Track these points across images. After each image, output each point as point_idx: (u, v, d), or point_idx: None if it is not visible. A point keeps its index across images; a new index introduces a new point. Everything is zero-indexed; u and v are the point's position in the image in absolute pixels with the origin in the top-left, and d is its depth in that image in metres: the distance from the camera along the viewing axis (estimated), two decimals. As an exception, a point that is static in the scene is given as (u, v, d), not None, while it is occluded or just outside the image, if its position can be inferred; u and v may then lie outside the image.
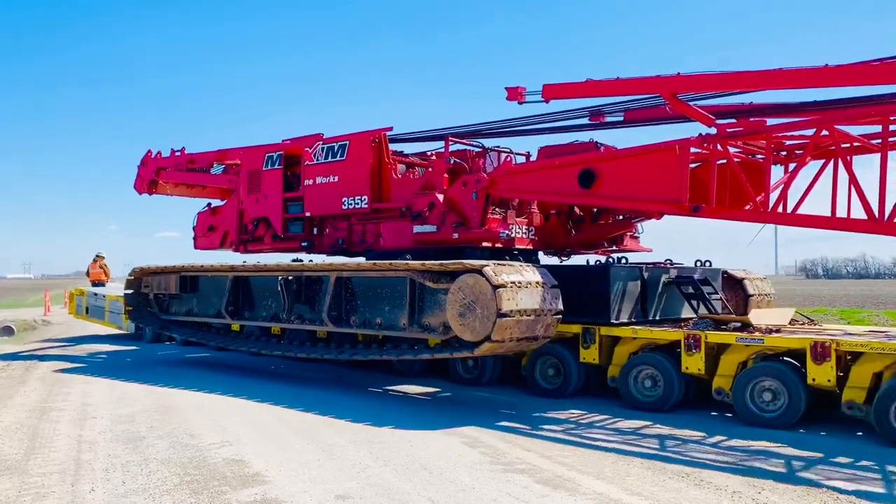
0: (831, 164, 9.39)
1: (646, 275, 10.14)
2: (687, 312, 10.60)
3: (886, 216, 7.81)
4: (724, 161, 9.12)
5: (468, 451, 6.91)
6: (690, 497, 5.62)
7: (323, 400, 9.72)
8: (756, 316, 10.31)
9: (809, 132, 8.92)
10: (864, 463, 6.78)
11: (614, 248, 12.62)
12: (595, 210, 11.99)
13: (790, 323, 10.03)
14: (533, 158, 12.40)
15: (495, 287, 8.22)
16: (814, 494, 5.70)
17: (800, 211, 9.04)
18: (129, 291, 13.91)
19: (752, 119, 9.72)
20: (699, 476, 6.13)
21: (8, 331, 19.74)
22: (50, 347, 16.52)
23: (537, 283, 8.68)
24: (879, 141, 8.56)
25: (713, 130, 9.15)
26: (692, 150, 9.23)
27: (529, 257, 12.23)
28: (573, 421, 8.60)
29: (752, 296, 12.72)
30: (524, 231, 11.90)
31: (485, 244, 11.18)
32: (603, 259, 11.92)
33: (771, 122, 9.50)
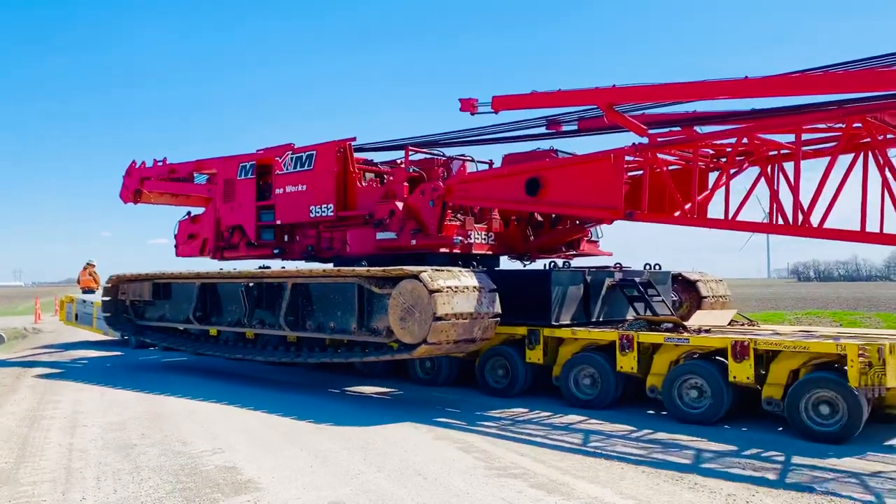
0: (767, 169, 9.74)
1: (589, 278, 10.56)
2: (632, 314, 11.02)
3: (801, 220, 8.24)
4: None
5: (462, 457, 6.93)
6: (685, 500, 5.65)
7: (305, 404, 10.01)
8: (698, 317, 10.78)
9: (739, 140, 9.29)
10: (769, 454, 7.19)
11: (573, 252, 13.09)
12: (553, 216, 12.43)
13: (729, 324, 10.43)
14: (497, 166, 12.82)
15: (431, 292, 8.67)
16: (808, 498, 5.85)
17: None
18: (107, 298, 14.41)
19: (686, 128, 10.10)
20: (693, 479, 6.19)
21: None
22: (38, 354, 16.92)
23: (474, 287, 9.13)
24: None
25: (645, 140, 9.57)
26: (628, 158, 9.69)
27: (490, 262, 12.74)
28: (510, 418, 9.01)
29: (705, 297, 13.14)
30: (483, 237, 12.36)
31: (442, 250, 11.65)
32: (561, 263, 12.37)
33: (706, 131, 9.90)
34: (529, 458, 6.93)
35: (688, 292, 13.23)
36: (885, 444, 7.63)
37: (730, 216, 9.48)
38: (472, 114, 11.27)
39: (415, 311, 8.92)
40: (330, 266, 12.35)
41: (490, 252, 12.51)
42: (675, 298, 12.96)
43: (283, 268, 12.66)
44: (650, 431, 8.20)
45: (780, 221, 8.59)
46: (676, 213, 9.34)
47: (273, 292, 11.43)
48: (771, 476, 6.42)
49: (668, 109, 10.25)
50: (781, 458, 7.05)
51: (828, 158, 8.46)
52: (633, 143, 9.65)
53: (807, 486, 6.08)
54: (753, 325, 10.72)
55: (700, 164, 10.09)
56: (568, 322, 10.17)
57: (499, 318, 9.52)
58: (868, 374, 7.39)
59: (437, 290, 8.66)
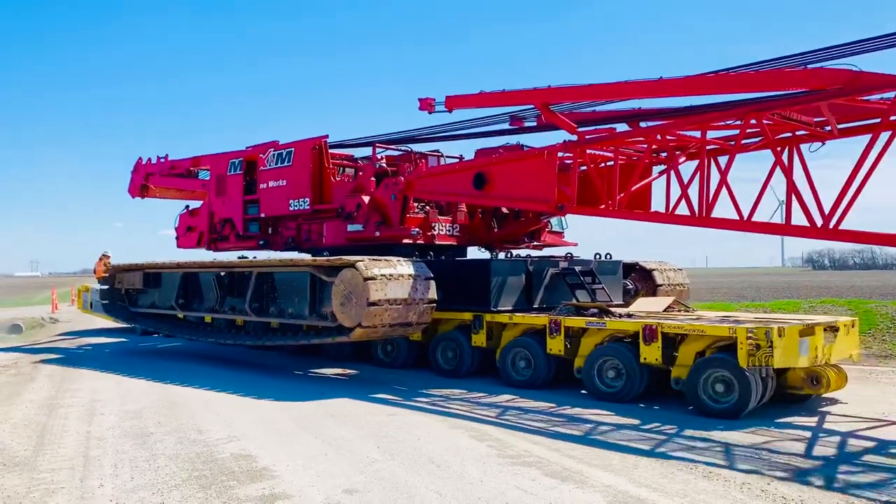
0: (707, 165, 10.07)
1: (531, 267, 11.25)
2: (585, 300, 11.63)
3: (706, 213, 8.84)
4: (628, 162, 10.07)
5: (475, 445, 6.98)
6: (699, 489, 5.65)
7: (257, 381, 10.86)
8: (639, 304, 11.39)
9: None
10: (664, 428, 7.83)
11: (535, 242, 13.79)
12: (517, 209, 13.07)
13: (665, 310, 10.98)
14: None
15: (366, 279, 9.48)
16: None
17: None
18: (105, 287, 15.50)
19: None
20: (707, 469, 6.21)
21: (16, 329, 20.37)
22: (55, 341, 17.93)
23: (409, 275, 9.91)
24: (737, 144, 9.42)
25: (575, 137, 10.19)
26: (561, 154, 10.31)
27: (457, 252, 13.50)
28: (442, 395, 9.77)
29: (660, 285, 13.75)
30: (447, 229, 13.13)
31: (405, 241, 12.46)
32: (525, 253, 13.05)
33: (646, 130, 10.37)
34: (543, 447, 7.03)
35: (644, 280, 13.85)
36: (777, 420, 8.19)
37: (669, 209, 10.02)
38: (430, 112, 11.94)
39: (353, 297, 9.76)
40: (292, 255, 13.28)
41: (455, 243, 13.25)
42: (630, 287, 13.62)
43: (255, 257, 13.61)
44: (568, 408, 8.87)
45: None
46: (602, 206, 9.93)
47: (241, 281, 12.34)
48: (645, 446, 7.07)
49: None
50: (672, 431, 7.69)
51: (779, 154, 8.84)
52: (564, 141, 10.28)
53: (676, 456, 6.69)
54: (688, 311, 11.26)
55: (633, 159, 10.63)
56: (509, 308, 10.89)
57: (434, 304, 10.28)
58: (756, 355, 7.97)
59: (371, 278, 9.47)
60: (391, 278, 9.62)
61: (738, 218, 8.87)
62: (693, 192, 9.25)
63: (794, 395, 8.99)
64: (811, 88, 8.00)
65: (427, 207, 12.97)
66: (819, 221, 8.20)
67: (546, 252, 13.98)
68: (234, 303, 12.42)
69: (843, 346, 9.16)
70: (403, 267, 9.97)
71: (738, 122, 8.72)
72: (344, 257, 10.13)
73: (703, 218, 8.85)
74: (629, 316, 9.98)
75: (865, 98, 8.01)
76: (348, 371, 12.21)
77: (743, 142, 10.04)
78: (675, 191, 9.58)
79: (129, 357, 14.49)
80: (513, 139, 12.81)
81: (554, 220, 14.08)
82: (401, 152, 13.79)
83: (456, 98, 11.43)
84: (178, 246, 16.66)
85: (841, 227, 8.08)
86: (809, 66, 8.10)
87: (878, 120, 7.89)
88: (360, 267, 9.60)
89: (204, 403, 9.29)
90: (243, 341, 12.28)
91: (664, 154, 10.95)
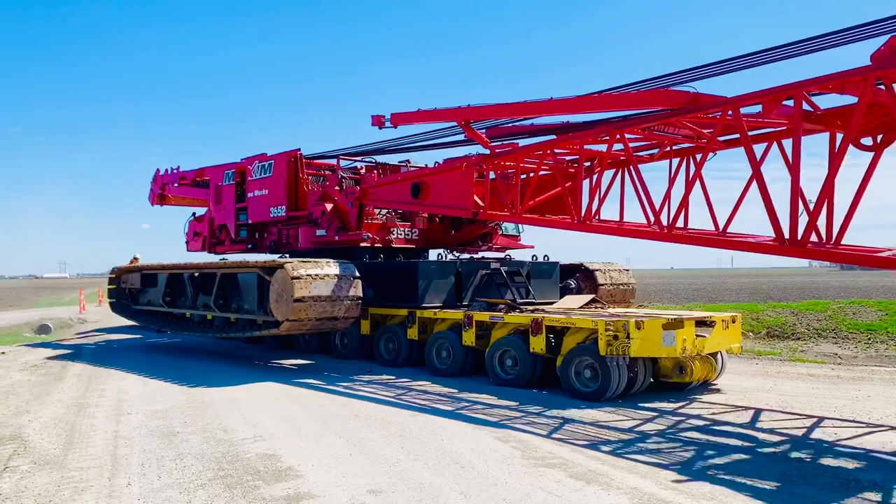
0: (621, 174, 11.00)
1: (460, 269, 12.47)
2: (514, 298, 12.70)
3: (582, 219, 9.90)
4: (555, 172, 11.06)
5: (500, 446, 7.02)
6: (727, 493, 5.64)
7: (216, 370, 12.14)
8: (562, 301, 12.44)
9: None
10: (533, 408, 8.89)
11: (488, 245, 14.92)
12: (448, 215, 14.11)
13: (581, 307, 11.88)
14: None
15: (293, 278, 10.82)
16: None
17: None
18: (112, 287, 17.23)
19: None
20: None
21: (45, 329, 21.36)
22: (85, 336, 19.49)
23: (335, 275, 11.22)
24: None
25: (487, 151, 11.36)
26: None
27: (418, 255, 14.75)
28: (366, 381, 11.01)
29: (602, 285, 14.78)
30: (406, 233, 14.45)
31: (363, 244, 13.82)
32: (479, 256, 14.25)
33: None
34: (567, 448, 7.07)
35: (587, 280, 14.91)
36: (641, 403, 9.18)
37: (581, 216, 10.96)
38: (380, 128, 13.24)
39: (283, 295, 11.13)
40: (247, 258, 14.84)
41: (412, 246, 14.53)
42: (574, 286, 14.67)
43: (246, 260, 15.17)
44: (470, 394, 9.91)
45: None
46: (506, 212, 11.06)
47: (209, 281, 13.87)
48: (493, 419, 8.21)
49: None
50: (536, 411, 8.77)
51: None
52: (479, 154, 11.46)
53: (503, 425, 7.87)
54: (605, 307, 12.18)
55: (541, 172, 11.48)
56: (438, 305, 12.12)
57: (360, 301, 11.58)
58: (614, 345, 8.99)
59: (297, 278, 10.82)
60: (316, 278, 10.95)
61: (616, 224, 9.87)
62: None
63: (666, 382, 9.90)
64: (664, 107, 8.94)
65: (387, 213, 14.31)
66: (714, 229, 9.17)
67: (512, 253, 15.03)
68: (205, 300, 13.94)
69: (721, 339, 10.01)
70: (330, 268, 11.30)
71: (606, 138, 9.69)
72: (278, 259, 11.54)
73: (581, 224, 9.88)
74: (534, 311, 10.98)
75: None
76: (305, 361, 13.60)
77: (646, 153, 11.07)
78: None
79: (151, 355, 15.31)
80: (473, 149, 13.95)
81: (510, 226, 15.18)
82: (367, 163, 15.16)
83: (399, 115, 12.76)
84: (188, 249, 18.38)
85: (728, 232, 8.98)
86: (669, 88, 9.05)
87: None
88: (288, 268, 10.99)
89: (231, 402, 9.53)
90: (212, 334, 13.84)
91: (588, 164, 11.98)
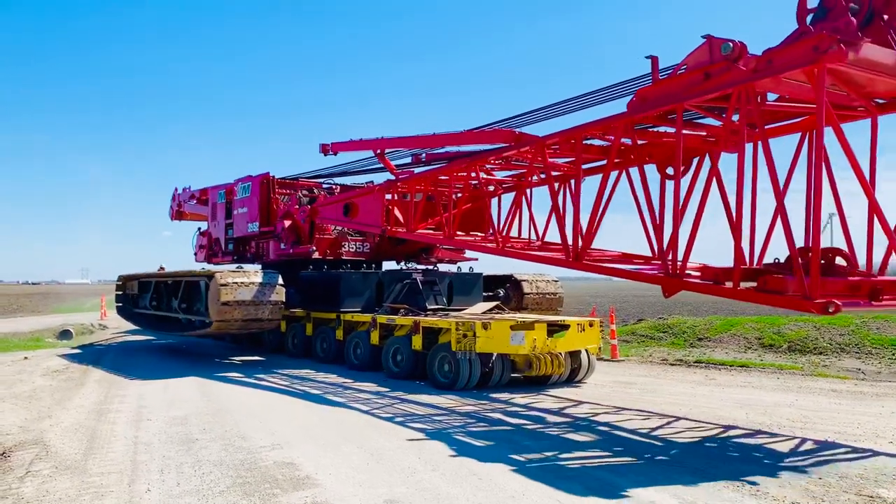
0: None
1: (382, 278, 14.43)
2: (430, 305, 14.39)
3: (447, 236, 11.65)
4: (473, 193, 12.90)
5: (517, 458, 7.07)
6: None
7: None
8: (472, 308, 14.07)
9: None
10: (395, 394, 10.58)
11: (431, 258, 16.81)
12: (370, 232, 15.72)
13: (483, 312, 13.28)
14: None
15: (220, 285, 12.86)
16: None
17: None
18: (119, 293, 19.66)
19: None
20: (755, 488, 6.13)
21: (67, 335, 21.95)
22: (107, 339, 21.00)
23: (258, 283, 13.21)
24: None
25: (393, 177, 13.24)
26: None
27: (369, 265, 16.73)
28: (293, 375, 12.72)
29: (527, 294, 16.41)
30: (357, 246, 16.46)
31: (315, 256, 15.86)
32: (423, 267, 16.11)
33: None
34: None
35: (516, 290, 16.61)
36: (491, 395, 10.62)
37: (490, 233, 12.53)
38: (325, 155, 15.22)
39: (215, 299, 13.18)
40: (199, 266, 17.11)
41: (362, 258, 16.52)
42: (501, 294, 16.40)
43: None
44: (367, 385, 11.54)
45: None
46: (402, 230, 12.88)
47: (176, 287, 16.06)
48: (364, 407, 9.59)
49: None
50: (396, 396, 10.49)
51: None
52: (388, 181, 13.37)
53: (349, 406, 9.55)
54: (502, 312, 13.69)
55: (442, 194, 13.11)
56: (357, 310, 14.05)
57: (282, 305, 13.58)
58: (462, 342, 10.73)
59: (224, 284, 12.88)
60: (241, 285, 12.99)
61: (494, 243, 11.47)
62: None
63: (536, 377, 11.32)
64: (503, 143, 10.64)
65: (342, 230, 16.32)
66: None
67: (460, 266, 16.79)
68: (175, 304, 16.15)
69: (576, 340, 11.52)
70: (254, 276, 13.34)
71: (465, 174, 11.43)
72: (210, 269, 13.72)
73: (448, 238, 11.67)
74: (424, 316, 12.68)
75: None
76: (255, 358, 15.64)
77: (531, 178, 12.67)
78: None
79: (168, 359, 16.02)
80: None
81: None
82: (329, 185, 17.31)
83: (336, 144, 14.78)
84: (196, 260, 20.78)
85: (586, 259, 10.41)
86: (514, 129, 10.68)
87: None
88: (217, 276, 13.11)
89: (247, 409, 9.71)
90: (177, 333, 16.16)
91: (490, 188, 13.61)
